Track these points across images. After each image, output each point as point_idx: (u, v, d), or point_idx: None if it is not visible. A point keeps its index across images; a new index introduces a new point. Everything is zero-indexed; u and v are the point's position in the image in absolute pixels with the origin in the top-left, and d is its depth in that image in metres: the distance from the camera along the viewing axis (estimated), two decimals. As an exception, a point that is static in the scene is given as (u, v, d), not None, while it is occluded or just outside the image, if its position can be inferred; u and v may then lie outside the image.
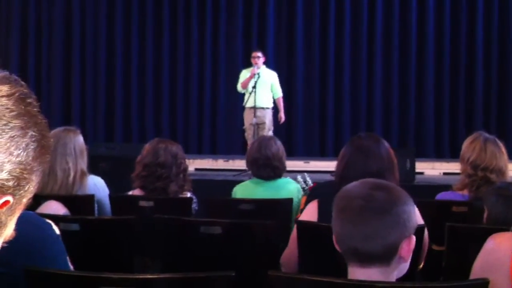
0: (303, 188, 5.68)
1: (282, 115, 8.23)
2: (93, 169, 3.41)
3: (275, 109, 8.22)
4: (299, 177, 6.05)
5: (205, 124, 9.97)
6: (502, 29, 9.60)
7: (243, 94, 8.07)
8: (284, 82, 8.95)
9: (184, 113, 10.01)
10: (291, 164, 7.81)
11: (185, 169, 3.42)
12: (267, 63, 8.45)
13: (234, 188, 3.75)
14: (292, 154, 9.41)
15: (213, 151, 9.80)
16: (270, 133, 8.09)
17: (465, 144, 3.31)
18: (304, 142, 9.86)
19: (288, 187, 3.69)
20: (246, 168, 5.05)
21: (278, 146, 3.67)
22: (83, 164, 3.22)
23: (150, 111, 10.03)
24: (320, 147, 9.86)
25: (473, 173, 3.18)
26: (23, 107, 0.83)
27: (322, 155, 9.60)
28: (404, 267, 1.52)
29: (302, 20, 9.87)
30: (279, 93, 8.19)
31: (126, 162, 4.16)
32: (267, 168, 3.61)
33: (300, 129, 9.84)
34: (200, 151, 9.77)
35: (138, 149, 3.54)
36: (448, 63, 9.72)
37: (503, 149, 3.25)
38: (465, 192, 3.25)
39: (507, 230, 1.83)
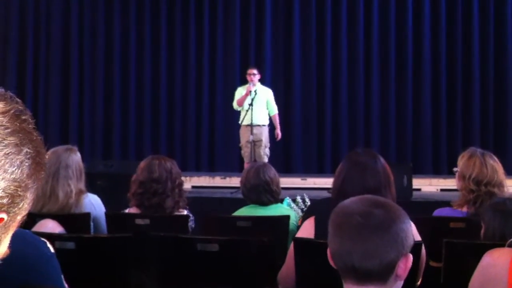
0: (301, 209, 5.65)
1: (278, 132, 8.22)
2: (91, 186, 3.40)
3: (271, 126, 8.21)
4: (298, 198, 6.02)
5: (202, 141, 9.97)
6: (499, 44, 9.65)
7: (239, 112, 8.08)
8: (281, 98, 8.96)
9: (181, 131, 10.01)
10: (289, 181, 7.82)
11: (180, 184, 3.41)
12: (264, 79, 8.45)
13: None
14: (290, 171, 9.41)
15: (211, 169, 9.78)
16: (267, 150, 8.08)
17: (463, 161, 3.29)
18: (302, 159, 9.84)
19: (285, 212, 3.68)
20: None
21: (274, 171, 3.70)
22: (81, 183, 3.22)
23: (147, 129, 10.03)
24: (318, 163, 9.84)
25: (477, 188, 3.17)
26: (18, 124, 0.83)
27: (320, 171, 9.58)
28: (399, 284, 1.51)
29: (299, 36, 9.90)
30: (274, 110, 8.18)
31: (123, 179, 4.15)
32: (267, 194, 3.61)
33: (297, 145, 9.83)
34: (197, 169, 9.75)
35: (135, 167, 3.52)
36: (445, 79, 9.75)
37: (499, 163, 3.26)
38: (464, 208, 3.24)
39: (504, 245, 1.82)
